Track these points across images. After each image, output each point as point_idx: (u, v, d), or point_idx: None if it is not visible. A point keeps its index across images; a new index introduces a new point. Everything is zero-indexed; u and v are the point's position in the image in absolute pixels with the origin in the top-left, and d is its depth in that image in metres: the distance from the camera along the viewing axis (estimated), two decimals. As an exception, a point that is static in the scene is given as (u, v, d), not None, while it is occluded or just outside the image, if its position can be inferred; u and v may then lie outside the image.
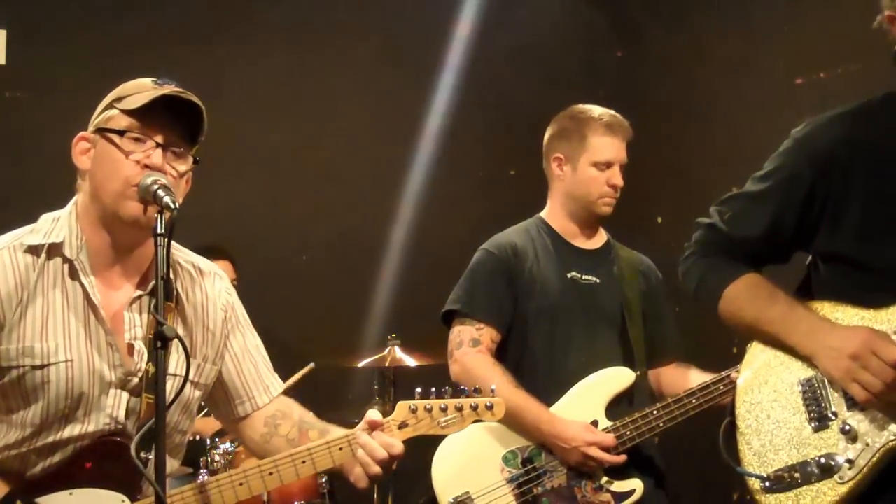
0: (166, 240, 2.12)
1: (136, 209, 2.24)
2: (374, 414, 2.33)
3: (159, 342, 2.04)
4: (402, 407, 2.38)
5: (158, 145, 2.27)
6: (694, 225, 2.58)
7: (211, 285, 2.48)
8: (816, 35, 4.44)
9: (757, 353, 2.45)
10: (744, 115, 4.67)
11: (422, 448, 3.40)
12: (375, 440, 2.29)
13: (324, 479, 3.98)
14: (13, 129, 4.67)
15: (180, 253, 2.47)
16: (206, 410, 3.73)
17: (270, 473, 2.32)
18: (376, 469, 2.29)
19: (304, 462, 2.33)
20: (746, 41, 4.82)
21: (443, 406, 2.38)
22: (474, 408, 2.40)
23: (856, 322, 2.29)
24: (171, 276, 2.36)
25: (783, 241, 2.44)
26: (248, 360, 2.53)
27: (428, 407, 2.37)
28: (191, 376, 2.37)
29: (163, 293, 2.10)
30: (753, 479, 2.32)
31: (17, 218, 2.45)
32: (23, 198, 4.25)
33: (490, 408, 2.42)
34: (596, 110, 3.59)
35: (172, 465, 2.44)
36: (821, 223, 2.35)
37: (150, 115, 2.26)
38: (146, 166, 2.25)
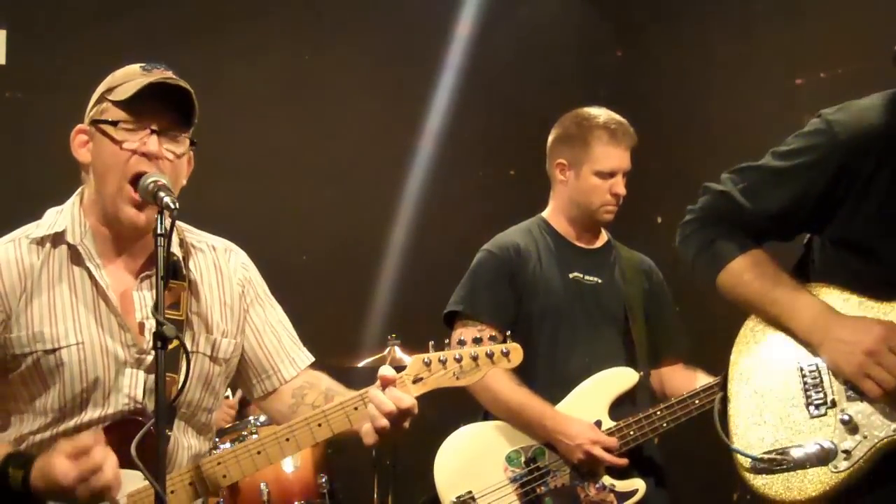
0: (166, 240, 2.12)
1: (134, 215, 2.27)
2: (386, 370, 2.22)
3: (159, 342, 2.04)
4: (417, 361, 2.28)
5: (153, 132, 2.28)
6: (702, 189, 2.54)
7: (226, 262, 2.50)
8: (816, 35, 4.43)
9: (755, 330, 2.43)
10: (744, 115, 4.66)
11: (424, 447, 3.42)
12: (386, 395, 2.19)
13: (324, 479, 3.95)
14: (13, 129, 4.67)
15: (193, 235, 2.49)
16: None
17: (287, 439, 2.27)
18: (383, 422, 2.17)
19: (319, 425, 2.26)
20: (746, 41, 4.82)
21: (457, 356, 2.27)
22: (490, 355, 2.28)
23: (860, 311, 2.28)
24: (184, 256, 2.40)
25: (796, 221, 2.42)
26: (270, 333, 2.52)
27: (442, 359, 2.26)
28: (207, 351, 2.39)
29: (162, 293, 2.10)
30: (744, 457, 2.30)
31: (18, 217, 2.45)
32: (23, 197, 4.24)
33: (506, 354, 2.30)
34: (601, 116, 3.54)
35: (202, 445, 2.44)
36: (839, 209, 2.34)
37: (142, 103, 2.27)
38: (143, 154, 2.26)
